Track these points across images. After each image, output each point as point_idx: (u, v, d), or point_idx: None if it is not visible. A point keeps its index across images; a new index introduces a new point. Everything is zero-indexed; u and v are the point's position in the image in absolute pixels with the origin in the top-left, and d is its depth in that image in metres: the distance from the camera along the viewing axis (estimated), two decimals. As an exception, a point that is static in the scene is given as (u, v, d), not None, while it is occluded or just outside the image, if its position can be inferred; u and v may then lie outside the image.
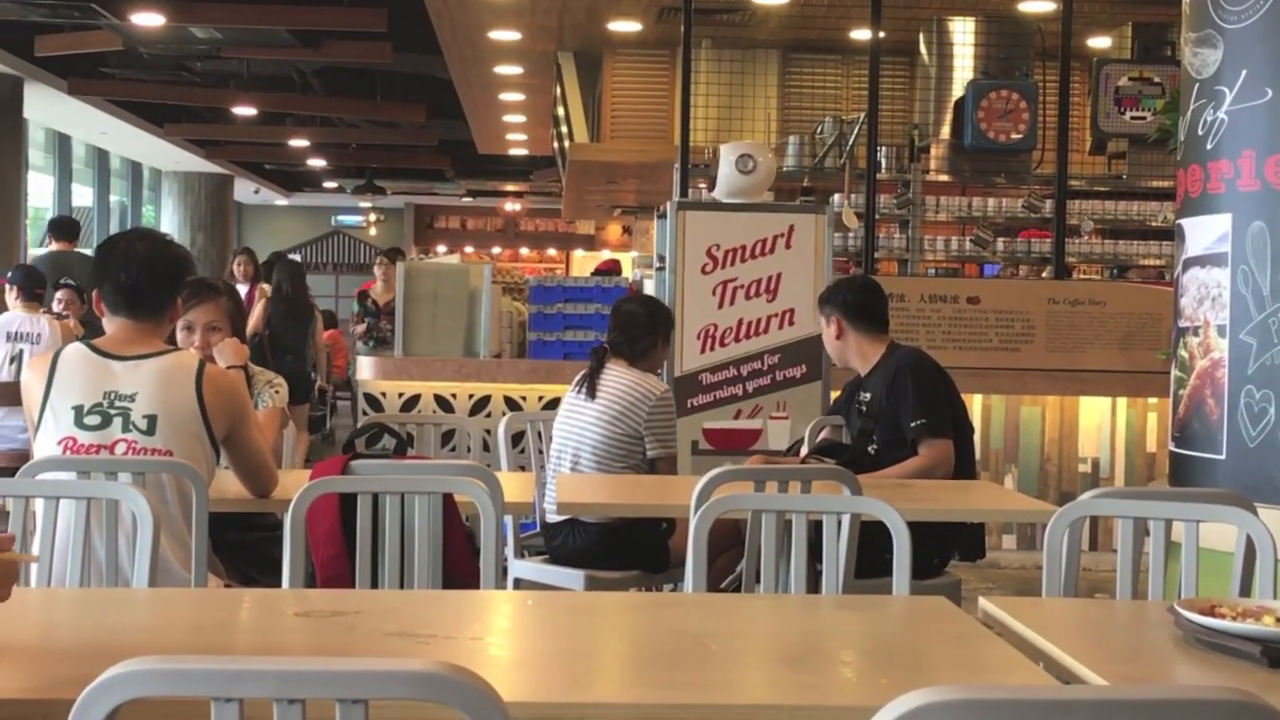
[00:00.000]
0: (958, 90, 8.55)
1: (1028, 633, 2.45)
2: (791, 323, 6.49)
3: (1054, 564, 3.11)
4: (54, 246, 10.73)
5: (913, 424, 4.63)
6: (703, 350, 6.45)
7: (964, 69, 8.69)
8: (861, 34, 9.03)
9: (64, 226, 11.10)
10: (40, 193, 18.17)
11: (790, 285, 6.42)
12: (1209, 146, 4.37)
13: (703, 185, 8.69)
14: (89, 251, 10.75)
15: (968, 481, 4.73)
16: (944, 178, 8.74)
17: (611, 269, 11.86)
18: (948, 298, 7.66)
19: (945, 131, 8.64)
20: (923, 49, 9.02)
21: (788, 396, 6.50)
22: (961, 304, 7.64)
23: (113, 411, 3.48)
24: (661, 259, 6.94)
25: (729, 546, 4.39)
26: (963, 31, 8.76)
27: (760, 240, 6.45)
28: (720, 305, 6.44)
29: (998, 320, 7.64)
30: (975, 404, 7.47)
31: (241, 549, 4.27)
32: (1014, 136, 8.27)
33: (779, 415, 6.52)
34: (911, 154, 8.63)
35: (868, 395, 4.80)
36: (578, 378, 5.07)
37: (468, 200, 29.74)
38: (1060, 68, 8.22)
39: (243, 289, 10.18)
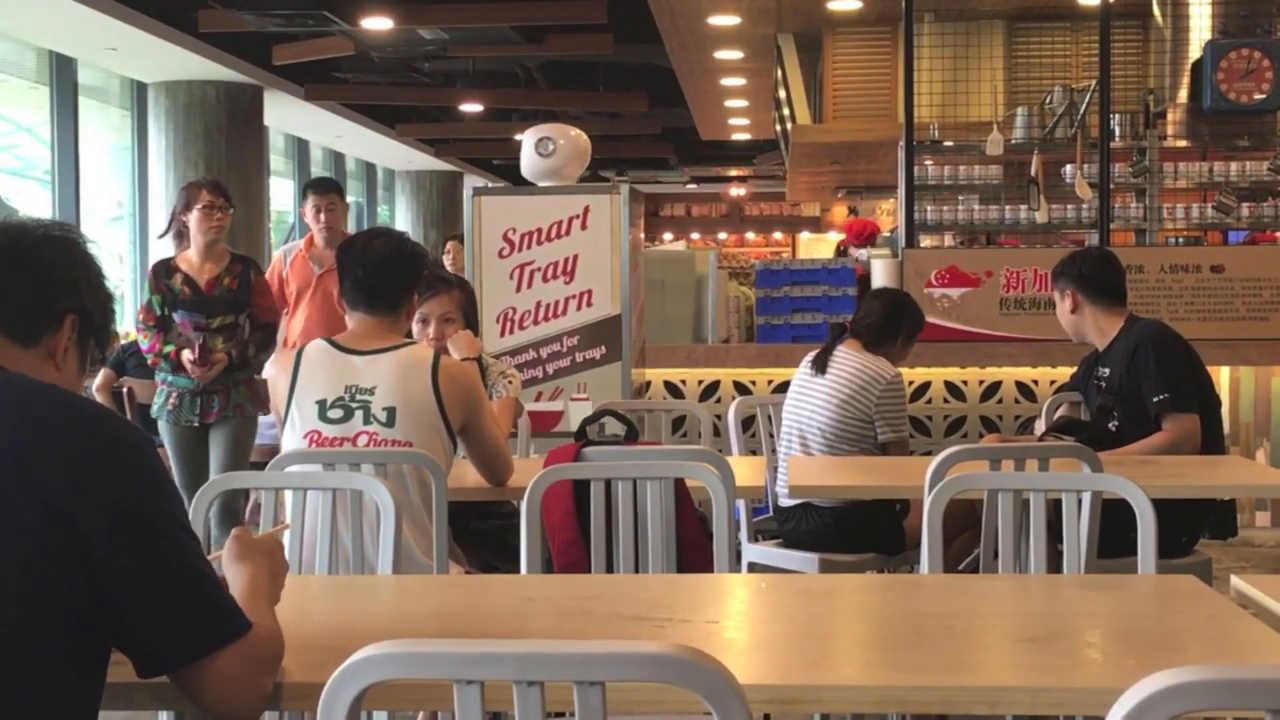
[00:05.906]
0: (1194, 52, 8.24)
1: (1285, 612, 2.35)
2: (590, 304, 6.40)
3: (1312, 541, 2.97)
4: None
5: (1155, 399, 4.48)
6: (502, 334, 6.41)
7: (1201, 29, 8.36)
8: (1090, -1, 8.77)
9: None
10: (281, 197, 18.86)
11: (588, 266, 6.33)
12: None
13: (929, 162, 8.54)
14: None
15: (1216, 457, 4.56)
16: (1182, 143, 8.42)
17: (865, 229, 10.92)
18: (1189, 267, 7.39)
19: (1182, 95, 8.33)
20: (1156, 10, 8.70)
21: (588, 378, 6.43)
22: (1205, 273, 7.37)
23: (354, 405, 3.58)
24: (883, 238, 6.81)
25: (966, 527, 4.32)
26: (1198, -10, 8.44)
27: (556, 222, 6.38)
28: (518, 288, 6.39)
29: (1244, 288, 7.34)
30: (1222, 376, 7.20)
31: (481, 536, 4.36)
32: (1257, 97, 7.93)
33: (580, 396, 6.45)
34: (1146, 120, 8.34)
35: (1106, 371, 4.66)
36: (812, 354, 5.00)
37: (692, 187, 29.82)
38: (1305, 22, 7.87)
39: None
